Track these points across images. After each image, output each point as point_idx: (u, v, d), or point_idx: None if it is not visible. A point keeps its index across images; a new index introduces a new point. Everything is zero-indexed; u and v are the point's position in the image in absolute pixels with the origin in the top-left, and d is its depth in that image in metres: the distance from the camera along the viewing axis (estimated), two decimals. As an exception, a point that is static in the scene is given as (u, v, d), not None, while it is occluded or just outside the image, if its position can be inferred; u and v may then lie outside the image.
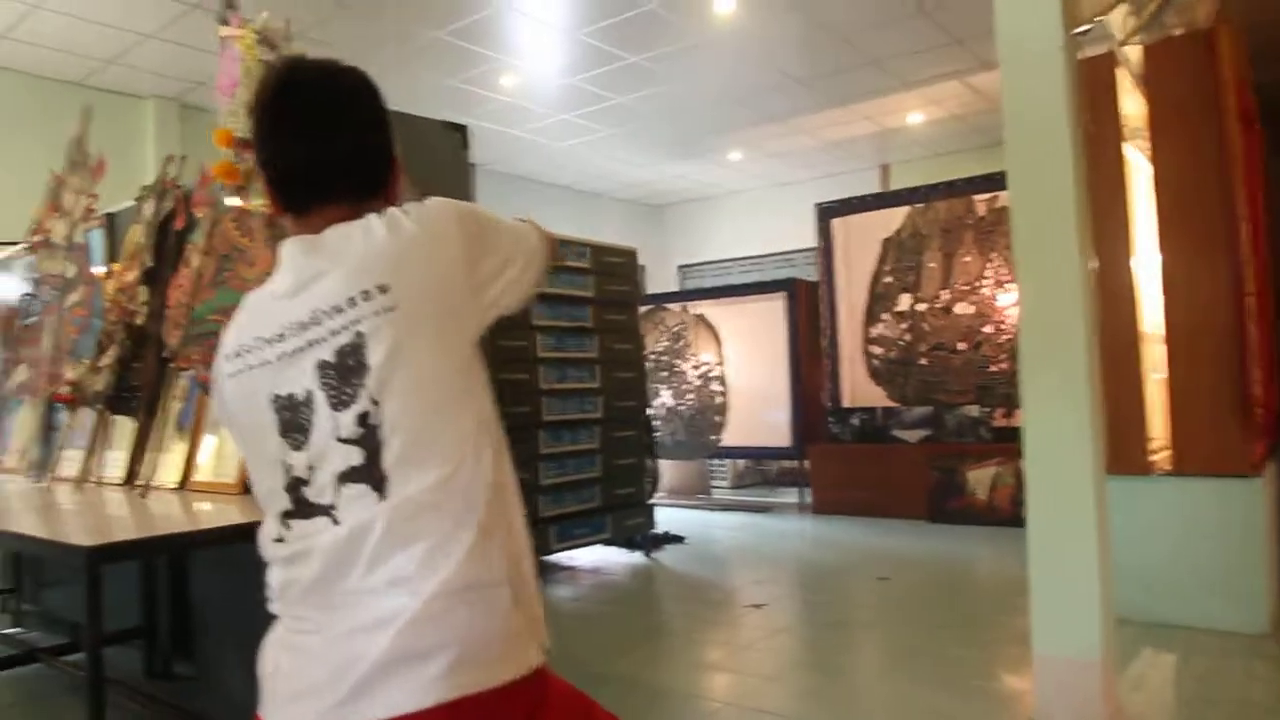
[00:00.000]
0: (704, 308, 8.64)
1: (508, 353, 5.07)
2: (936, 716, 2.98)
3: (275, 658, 1.10)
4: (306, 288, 1.10)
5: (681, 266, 11.22)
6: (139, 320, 3.28)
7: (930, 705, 3.08)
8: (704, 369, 8.51)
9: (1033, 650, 2.78)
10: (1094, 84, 3.79)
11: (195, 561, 3.13)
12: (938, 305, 7.31)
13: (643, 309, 7.82)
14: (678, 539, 6.40)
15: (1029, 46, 2.83)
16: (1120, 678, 3.06)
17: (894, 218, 7.61)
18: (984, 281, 7.09)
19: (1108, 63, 4.02)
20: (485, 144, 7.99)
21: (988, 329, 7.04)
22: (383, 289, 1.06)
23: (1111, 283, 3.84)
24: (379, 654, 0.98)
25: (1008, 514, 6.31)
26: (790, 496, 8.19)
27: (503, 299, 1.17)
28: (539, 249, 1.25)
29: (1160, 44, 4.11)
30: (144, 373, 3.19)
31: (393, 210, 1.14)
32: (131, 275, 3.39)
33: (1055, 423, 2.74)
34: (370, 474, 1.04)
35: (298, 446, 1.09)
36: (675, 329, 8.71)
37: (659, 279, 10.77)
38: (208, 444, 2.87)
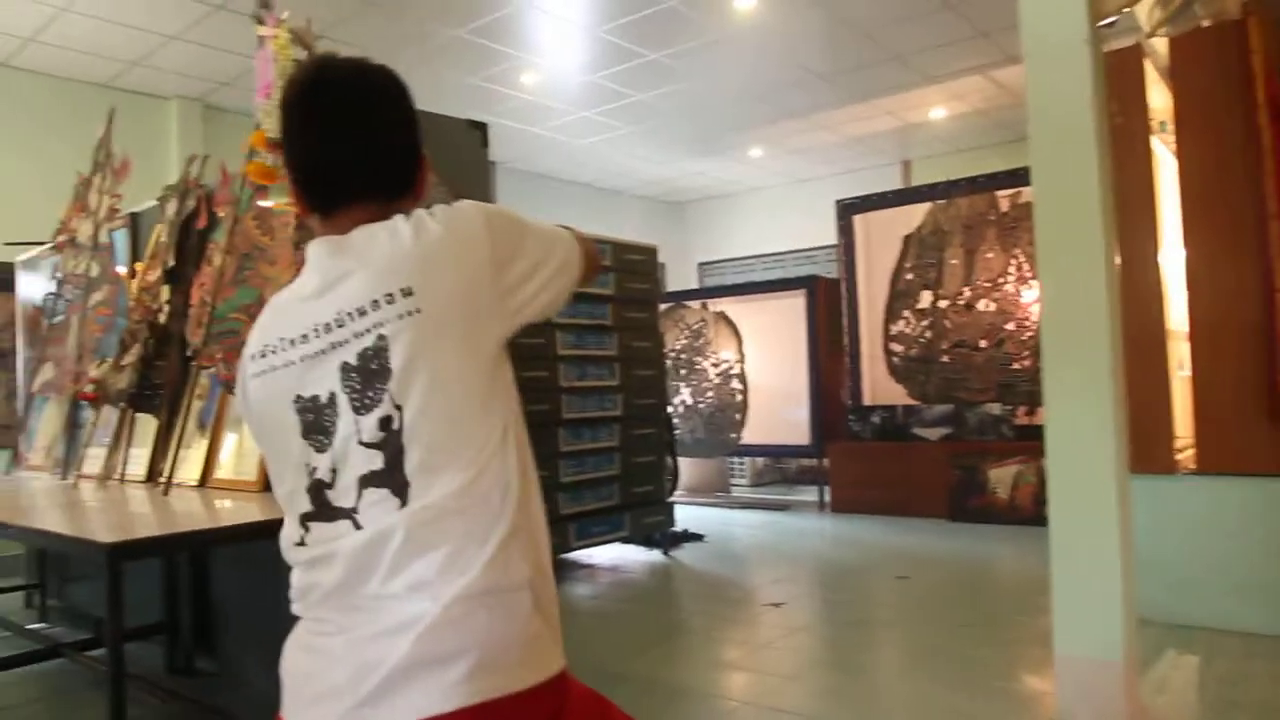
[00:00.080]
0: (724, 305, 8.62)
1: (527, 350, 5.07)
2: (957, 716, 2.96)
3: (297, 659, 1.10)
4: (332, 289, 1.10)
5: (701, 264, 11.20)
6: (162, 319, 3.31)
7: (950, 705, 3.05)
8: (724, 366, 8.48)
9: (1054, 650, 2.75)
10: (1120, 77, 3.74)
11: (216, 558, 3.16)
12: (959, 302, 7.25)
13: (663, 306, 7.80)
14: (697, 537, 6.39)
15: (1054, 39, 2.79)
16: (1143, 679, 3.02)
17: (915, 214, 7.54)
18: (1006, 278, 7.02)
19: (1134, 55, 3.97)
20: (506, 142, 8.01)
21: (1010, 326, 6.97)
22: (407, 292, 1.05)
23: (1138, 279, 3.79)
24: (399, 658, 0.98)
25: (1030, 513, 6.26)
26: (810, 495, 8.15)
27: (532, 304, 1.14)
28: (573, 256, 1.21)
29: (1188, 36, 4.05)
30: (166, 371, 3.22)
31: (420, 212, 1.13)
32: (154, 274, 3.42)
33: (1078, 420, 2.70)
34: (391, 479, 1.04)
35: (320, 448, 1.08)
36: (695, 326, 8.69)
37: (679, 276, 10.76)
38: (229, 442, 2.90)
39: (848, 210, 7.99)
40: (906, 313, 7.54)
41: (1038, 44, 2.84)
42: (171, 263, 3.38)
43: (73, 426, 3.65)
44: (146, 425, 3.23)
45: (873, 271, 7.80)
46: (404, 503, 1.03)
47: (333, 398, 1.07)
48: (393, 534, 1.02)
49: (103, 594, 1.90)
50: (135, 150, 4.01)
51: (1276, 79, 3.98)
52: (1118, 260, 2.81)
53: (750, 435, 8.27)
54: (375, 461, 1.05)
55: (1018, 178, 6.61)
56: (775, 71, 6.81)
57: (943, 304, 7.34)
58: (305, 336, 1.10)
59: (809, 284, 8.17)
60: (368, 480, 1.05)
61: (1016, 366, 6.88)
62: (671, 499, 6.15)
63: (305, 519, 1.10)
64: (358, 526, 1.05)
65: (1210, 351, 3.87)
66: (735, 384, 8.39)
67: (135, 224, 3.89)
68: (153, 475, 3.07)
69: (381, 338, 1.05)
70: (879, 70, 6.83)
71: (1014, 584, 4.92)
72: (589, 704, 1.17)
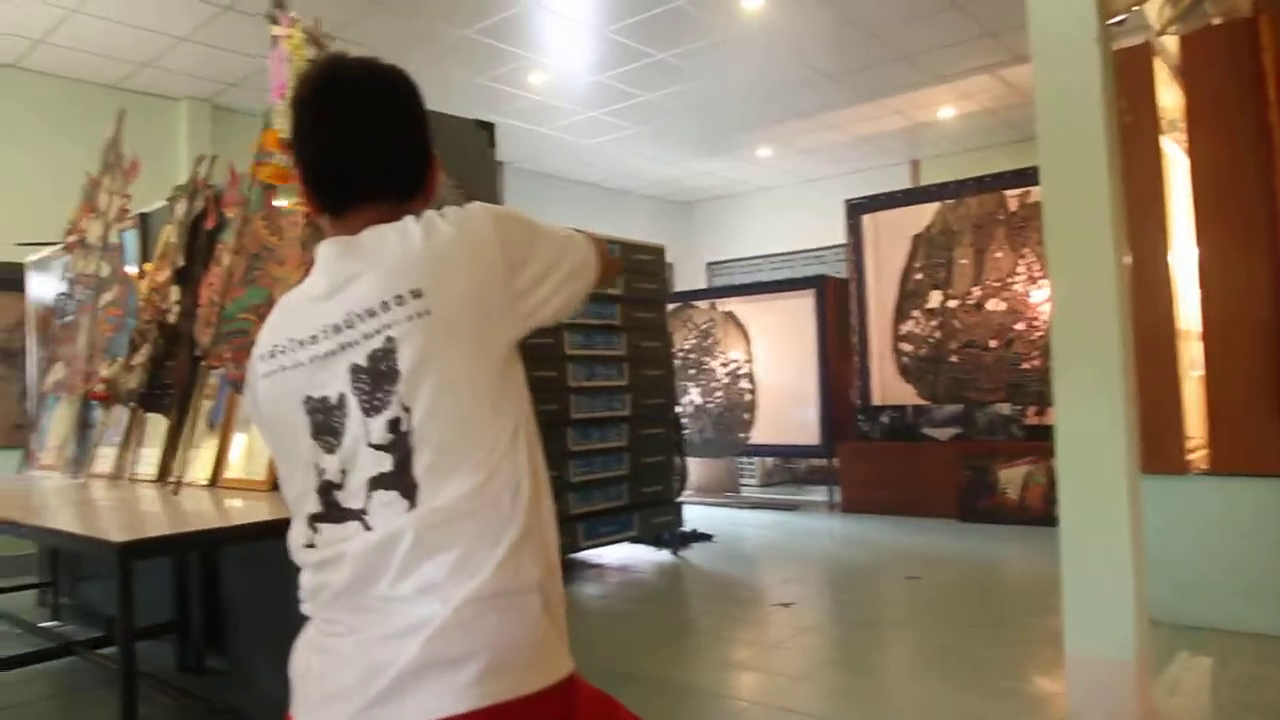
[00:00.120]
0: (733, 305, 8.61)
1: (536, 350, 5.07)
2: (967, 717, 2.95)
3: (307, 659, 1.09)
4: (341, 290, 1.09)
5: (710, 264, 11.19)
6: (171, 319, 3.33)
7: (961, 706, 3.04)
8: (732, 366, 8.48)
9: (1065, 651, 2.74)
10: (1130, 76, 3.72)
11: (226, 557, 3.17)
12: (969, 302, 7.22)
13: (671, 306, 7.81)
14: (706, 537, 6.38)
15: (1063, 38, 2.78)
16: (1155, 681, 3.01)
17: (924, 214, 7.52)
18: (1016, 278, 6.99)
19: (1144, 53, 3.95)
20: (513, 142, 8.02)
21: (1020, 326, 6.94)
22: (416, 294, 1.04)
23: (1148, 278, 3.77)
24: (409, 660, 0.98)
25: (1040, 513, 6.23)
26: (819, 495, 8.14)
27: (544, 308, 1.14)
28: (588, 261, 1.20)
29: (1198, 34, 4.03)
30: (176, 370, 3.24)
31: (430, 213, 1.12)
32: (164, 274, 3.44)
33: (1088, 420, 2.69)
34: (400, 481, 1.03)
35: (330, 449, 1.08)
36: (704, 326, 8.69)
37: (687, 276, 10.75)
38: (238, 441, 2.91)
39: (857, 210, 7.97)
40: (916, 312, 7.52)
41: (1046, 43, 2.82)
42: (181, 263, 3.39)
43: (83, 426, 3.67)
44: (157, 425, 3.24)
45: (882, 271, 7.78)
46: (413, 505, 1.03)
47: (342, 399, 1.07)
48: (402, 536, 1.01)
49: (114, 593, 1.91)
50: (145, 151, 4.03)
51: (1288, 77, 3.96)
52: (1128, 259, 2.80)
53: (759, 435, 8.27)
54: (384, 463, 1.04)
55: (1026, 177, 6.58)
56: (783, 71, 6.80)
57: (952, 304, 7.32)
58: (314, 337, 1.09)
59: (818, 284, 8.16)
60: (377, 482, 1.04)
61: (1026, 366, 6.86)
62: (680, 499, 6.15)
63: (314, 520, 1.10)
64: (367, 528, 1.04)
65: (1223, 350, 3.85)
66: (744, 384, 8.39)
67: (145, 224, 3.90)
68: (163, 475, 3.08)
69: (390, 339, 1.04)
70: (887, 70, 6.81)
71: (1024, 584, 4.90)
72: (597, 705, 1.17)
